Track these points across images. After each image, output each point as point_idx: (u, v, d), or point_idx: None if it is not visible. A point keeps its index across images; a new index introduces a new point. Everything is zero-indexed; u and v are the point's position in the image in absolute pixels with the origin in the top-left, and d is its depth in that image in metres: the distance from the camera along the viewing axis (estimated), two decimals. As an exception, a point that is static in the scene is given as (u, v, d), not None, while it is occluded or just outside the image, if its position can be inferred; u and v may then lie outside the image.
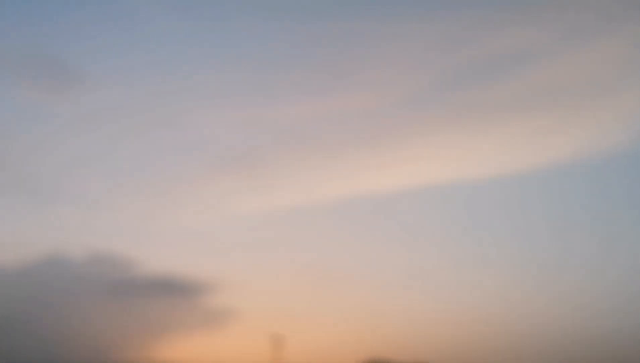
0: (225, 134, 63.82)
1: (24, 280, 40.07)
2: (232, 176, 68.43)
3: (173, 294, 51.57)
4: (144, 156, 63.53)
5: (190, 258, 53.72)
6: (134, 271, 52.89)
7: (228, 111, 64.40)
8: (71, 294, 41.24)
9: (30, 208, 52.58)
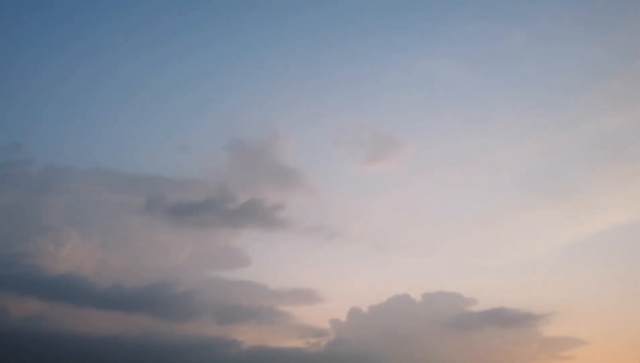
0: (531, 165, 63.80)
1: (377, 316, 46.18)
2: (548, 204, 67.48)
3: (510, 326, 54.24)
4: (461, 201, 65.67)
5: (521, 290, 54.62)
6: (468, 307, 56.93)
7: (528, 143, 65.45)
8: (415, 328, 46.09)
9: (373, 255, 61.10)
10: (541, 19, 79.73)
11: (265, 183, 73.23)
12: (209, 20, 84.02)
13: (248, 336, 59.74)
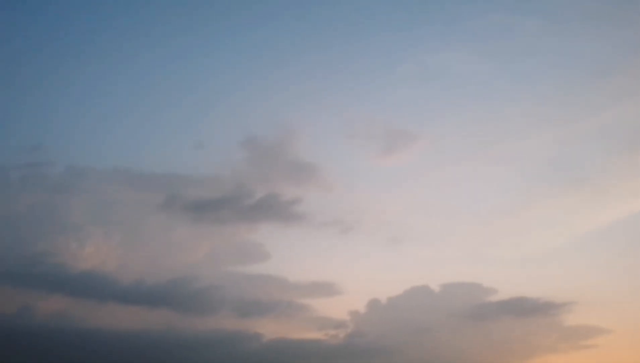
0: (547, 155, 63.71)
1: (395, 307, 47.02)
2: (565, 194, 62.76)
3: (530, 315, 54.21)
4: (477, 192, 65.41)
5: (541, 280, 54.39)
6: (488, 297, 57.31)
7: (543, 133, 65.76)
8: (435, 318, 46.87)
9: (390, 247, 60.26)
10: (555, 10, 79.56)
11: (281, 178, 73.84)
12: (220, 16, 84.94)
13: (268, 329, 60.43)
